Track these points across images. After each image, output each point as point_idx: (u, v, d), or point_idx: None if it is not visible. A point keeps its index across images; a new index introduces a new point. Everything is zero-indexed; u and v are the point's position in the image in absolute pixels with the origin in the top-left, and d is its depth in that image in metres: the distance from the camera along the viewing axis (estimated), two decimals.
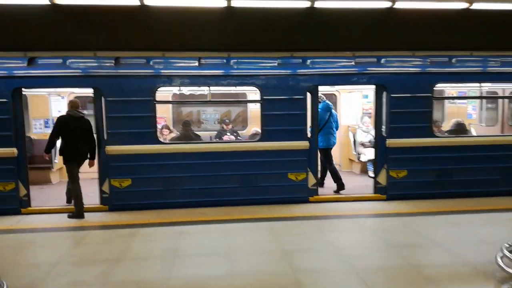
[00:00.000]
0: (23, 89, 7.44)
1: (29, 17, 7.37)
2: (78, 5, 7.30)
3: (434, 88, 7.97)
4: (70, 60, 7.45)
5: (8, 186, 7.19)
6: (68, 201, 7.74)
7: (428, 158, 7.92)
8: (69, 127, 6.95)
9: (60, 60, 7.47)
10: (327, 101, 9.05)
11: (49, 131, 9.78)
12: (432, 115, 7.98)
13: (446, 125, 10.29)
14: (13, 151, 7.14)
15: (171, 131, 9.98)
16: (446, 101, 11.19)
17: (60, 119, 7.14)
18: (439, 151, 7.93)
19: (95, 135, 7.34)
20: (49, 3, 7.06)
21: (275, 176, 7.68)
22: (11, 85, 7.14)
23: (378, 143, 8.03)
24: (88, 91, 8.62)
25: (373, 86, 9.17)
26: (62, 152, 7.04)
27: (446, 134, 9.24)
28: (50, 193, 8.59)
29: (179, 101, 10.38)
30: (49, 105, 10.04)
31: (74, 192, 7.06)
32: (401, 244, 5.50)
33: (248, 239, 5.75)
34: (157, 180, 7.47)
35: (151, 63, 7.57)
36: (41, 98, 10.11)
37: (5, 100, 7.11)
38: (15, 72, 7.18)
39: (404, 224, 6.35)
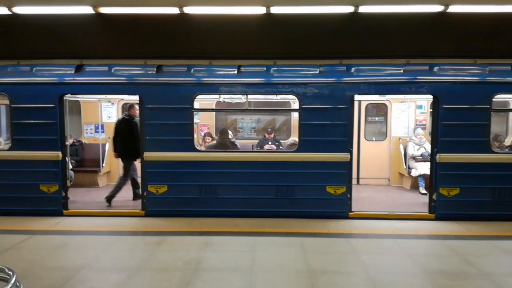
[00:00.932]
0: (69, 95, 7.75)
1: (76, 25, 7.69)
2: (119, 14, 7.49)
3: (493, 99, 7.24)
4: (115, 68, 7.64)
5: (52, 188, 7.48)
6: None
7: (484, 175, 7.19)
8: (116, 129, 8.60)
9: (105, 68, 7.69)
10: None
11: (98, 136, 10.27)
12: (489, 129, 7.23)
13: (509, 140, 9.35)
14: (58, 154, 7.42)
15: (213, 139, 9.96)
16: (511, 114, 10.19)
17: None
18: (497, 168, 7.16)
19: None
20: (93, 12, 7.30)
21: (312, 188, 7.34)
22: (59, 91, 7.44)
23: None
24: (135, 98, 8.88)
25: (425, 96, 8.62)
26: None
27: (507, 150, 8.38)
28: (94, 196, 8.86)
29: (216, 109, 10.41)
30: (99, 111, 10.43)
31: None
32: (443, 271, 4.94)
33: (275, 255, 5.47)
34: (193, 187, 7.42)
35: (191, 71, 7.57)
36: (93, 104, 10.54)
37: (52, 105, 7.41)
38: (62, 78, 7.47)
39: (450, 248, 5.75)
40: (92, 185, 10.09)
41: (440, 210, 7.30)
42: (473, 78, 7.28)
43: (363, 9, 7.29)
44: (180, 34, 7.96)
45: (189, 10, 7.32)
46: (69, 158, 9.07)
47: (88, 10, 7.31)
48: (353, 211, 7.43)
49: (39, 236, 6.27)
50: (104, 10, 7.37)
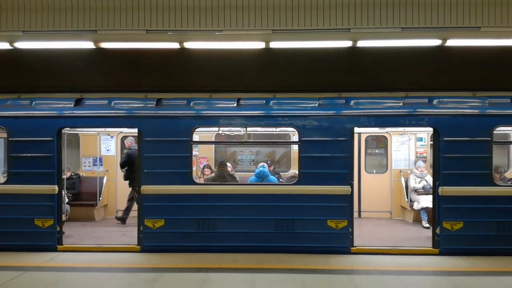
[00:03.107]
0: (68, 128, 7.73)
1: (77, 60, 7.76)
2: (120, 49, 7.57)
3: (494, 132, 7.20)
4: (114, 101, 7.64)
5: (47, 223, 7.32)
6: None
7: (487, 209, 7.05)
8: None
9: (105, 101, 7.68)
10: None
11: (96, 169, 10.19)
12: (491, 161, 7.16)
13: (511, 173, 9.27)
14: (54, 188, 7.30)
15: (212, 171, 9.87)
16: (511, 146, 10.14)
17: None
18: (501, 201, 7.03)
19: None
20: (94, 47, 7.37)
21: (313, 222, 7.17)
22: (57, 124, 7.41)
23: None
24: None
25: (425, 128, 8.59)
26: None
27: (509, 182, 8.28)
28: (89, 231, 8.68)
29: (215, 142, 10.42)
30: (98, 144, 10.39)
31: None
32: None
33: None
34: (190, 222, 7.25)
35: (191, 104, 7.56)
36: (92, 137, 10.50)
37: (51, 139, 7.35)
38: (61, 112, 7.46)
39: (455, 285, 5.55)
40: (88, 219, 9.90)
41: (444, 245, 7.11)
42: (473, 111, 7.26)
43: (361, 43, 7.37)
44: (180, 69, 8.02)
45: (189, 45, 7.39)
46: (66, 192, 8.95)
47: (89, 45, 7.38)
48: (355, 246, 7.23)
49: (32, 273, 6.06)
50: (105, 45, 7.45)
